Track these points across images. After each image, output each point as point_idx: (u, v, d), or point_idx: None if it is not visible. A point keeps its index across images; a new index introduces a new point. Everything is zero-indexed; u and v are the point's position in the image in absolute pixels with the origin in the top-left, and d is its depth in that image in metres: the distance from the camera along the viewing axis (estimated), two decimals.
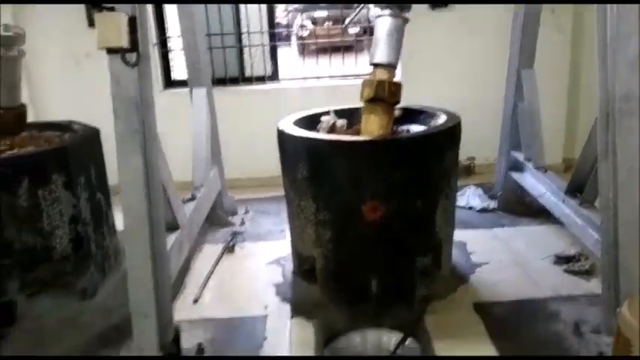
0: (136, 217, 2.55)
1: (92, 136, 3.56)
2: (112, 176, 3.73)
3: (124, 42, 2.41)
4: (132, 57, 2.45)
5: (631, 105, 2.58)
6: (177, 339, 2.82)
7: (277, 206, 4.67)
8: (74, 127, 3.66)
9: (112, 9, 2.42)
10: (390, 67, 3.08)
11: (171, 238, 3.06)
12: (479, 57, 5.01)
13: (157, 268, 2.62)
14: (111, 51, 2.46)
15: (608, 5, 2.55)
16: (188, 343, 2.91)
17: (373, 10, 3.15)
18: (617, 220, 2.66)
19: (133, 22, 2.44)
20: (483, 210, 4.45)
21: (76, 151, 3.32)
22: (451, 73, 5.10)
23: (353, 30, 11.81)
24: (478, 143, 4.86)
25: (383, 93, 3.04)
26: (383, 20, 3.08)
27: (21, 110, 3.54)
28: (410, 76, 5.03)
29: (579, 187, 3.38)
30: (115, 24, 2.41)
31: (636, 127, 2.59)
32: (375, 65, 3.09)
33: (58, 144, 3.37)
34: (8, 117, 3.45)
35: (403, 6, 3.09)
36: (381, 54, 3.05)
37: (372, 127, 3.09)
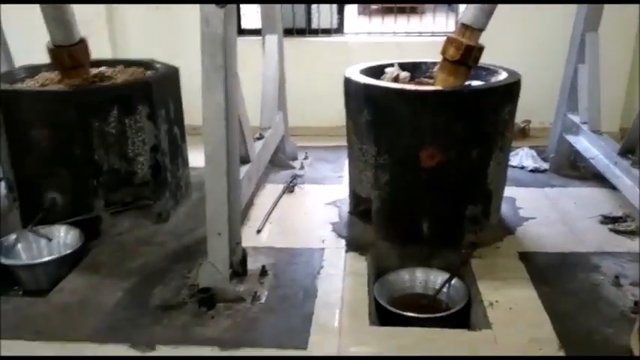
0: (217, 146, 2.83)
1: (172, 73, 3.86)
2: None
3: None
4: None
5: None
6: (244, 260, 3.13)
7: (335, 154, 4.92)
8: (155, 65, 3.97)
9: None
10: (480, 31, 3.16)
11: (243, 170, 3.35)
12: (538, 19, 5.02)
13: (231, 192, 2.92)
14: None
15: None
16: (252, 265, 3.21)
17: None
18: None
19: None
20: (535, 170, 4.58)
21: (158, 86, 3.62)
22: (516, 36, 5.13)
23: None
24: (535, 107, 4.97)
25: (469, 58, 3.18)
26: None
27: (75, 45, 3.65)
28: None
29: (632, 150, 3.48)
30: None
31: None
32: (466, 26, 3.16)
33: (143, 78, 3.68)
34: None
35: None
36: (476, 17, 3.12)
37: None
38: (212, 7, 2.70)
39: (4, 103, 3.40)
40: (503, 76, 3.47)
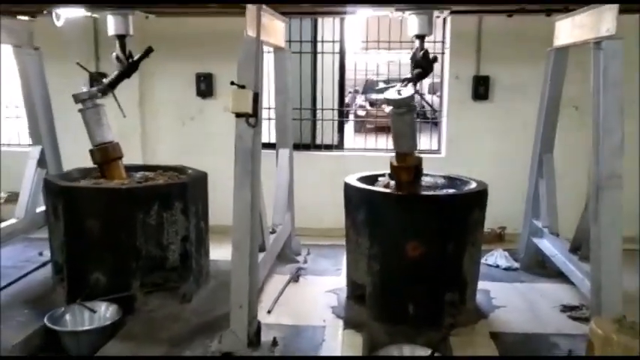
0: (243, 233, 3.56)
1: (202, 177, 4.66)
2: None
3: (249, 109, 3.51)
4: (253, 121, 3.55)
5: (613, 181, 3.48)
6: (258, 331, 3.75)
7: (334, 251, 5.61)
8: (187, 170, 4.78)
9: (243, 87, 3.54)
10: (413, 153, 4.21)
11: (260, 255, 4.04)
12: (511, 142, 5.92)
13: (252, 272, 3.61)
14: (239, 115, 3.57)
15: (601, 107, 3.51)
16: (265, 337, 3.81)
17: (387, 109, 4.18)
18: (600, 270, 3.50)
19: (256, 97, 3.55)
20: (508, 268, 5.26)
21: (191, 187, 4.41)
22: (488, 154, 6.01)
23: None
24: (509, 215, 5.75)
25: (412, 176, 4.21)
26: (397, 117, 4.12)
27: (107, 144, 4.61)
28: (454, 153, 6.03)
29: (579, 247, 4.22)
30: (245, 97, 3.52)
31: (617, 198, 3.48)
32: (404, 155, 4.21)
33: (180, 180, 4.47)
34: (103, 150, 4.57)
35: (412, 107, 4.13)
36: (408, 145, 4.20)
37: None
38: (245, 126, 3.55)
39: (65, 198, 4.16)
40: (473, 185, 4.28)
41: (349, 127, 13.41)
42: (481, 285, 4.59)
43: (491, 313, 4.33)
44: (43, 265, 5.12)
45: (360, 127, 14.14)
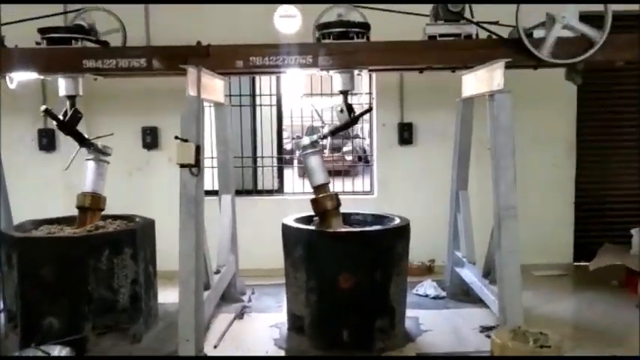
0: (189, 273, 3.93)
1: (150, 224, 5.01)
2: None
3: (192, 160, 3.94)
4: (196, 170, 3.97)
5: (510, 212, 4.06)
6: None
7: (277, 290, 5.98)
8: (135, 218, 5.11)
9: (186, 140, 3.98)
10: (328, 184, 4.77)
11: (205, 293, 4.40)
12: (436, 181, 6.51)
13: (197, 308, 3.96)
14: (183, 166, 3.99)
15: (495, 149, 4.12)
16: None
17: (299, 153, 4.90)
18: (503, 290, 4.04)
19: (198, 149, 3.99)
20: (436, 297, 5.77)
21: (140, 234, 4.75)
22: (416, 193, 6.58)
23: (349, 157, 13.70)
24: (438, 248, 6.29)
25: (336, 203, 4.71)
26: (309, 156, 4.75)
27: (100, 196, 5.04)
28: (384, 193, 6.59)
29: (489, 272, 4.77)
30: (188, 149, 3.95)
31: (515, 226, 4.06)
32: (319, 187, 4.74)
33: (129, 227, 4.81)
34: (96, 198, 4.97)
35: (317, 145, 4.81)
36: (324, 178, 4.78)
37: (337, 225, 4.60)
38: (189, 175, 3.97)
39: (20, 248, 4.43)
40: (397, 221, 4.80)
41: (294, 172, 14.00)
42: (411, 313, 5.10)
43: (418, 337, 4.79)
44: None
45: (304, 172, 14.77)
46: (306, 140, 4.77)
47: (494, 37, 4.48)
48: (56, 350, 4.25)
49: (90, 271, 4.42)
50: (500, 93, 4.12)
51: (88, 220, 4.89)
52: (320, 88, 7.05)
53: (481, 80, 4.62)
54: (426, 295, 5.84)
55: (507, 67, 4.15)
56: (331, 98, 7.77)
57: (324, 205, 4.70)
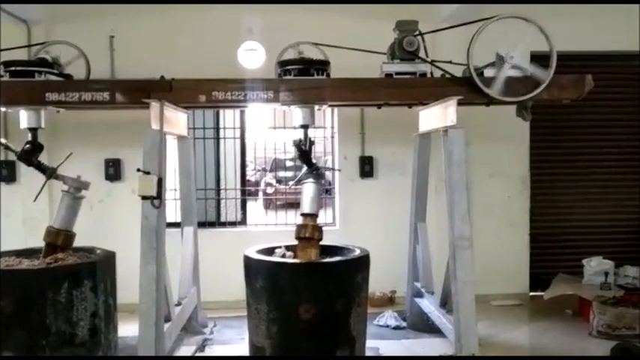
0: (149, 304, 3.95)
1: (110, 256, 4.99)
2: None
3: (154, 193, 4.00)
4: (157, 202, 4.03)
5: (464, 242, 4.22)
6: None
7: (239, 322, 5.98)
8: (96, 250, 5.10)
9: (148, 173, 4.04)
10: (316, 216, 4.76)
11: (166, 326, 4.40)
12: (396, 212, 6.66)
13: (158, 339, 3.97)
14: (145, 198, 4.04)
15: (449, 182, 4.29)
16: None
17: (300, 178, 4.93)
18: (459, 319, 4.17)
19: (160, 182, 4.05)
20: (396, 327, 5.86)
21: (100, 266, 4.73)
22: (376, 225, 6.72)
23: None
24: (398, 279, 6.40)
25: (317, 234, 4.67)
26: (308, 185, 4.79)
27: (72, 234, 4.99)
28: (345, 226, 6.71)
29: (446, 301, 4.90)
30: (150, 182, 4.01)
31: (468, 256, 4.21)
32: (307, 215, 4.75)
33: (90, 259, 4.79)
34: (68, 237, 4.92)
35: (320, 177, 4.84)
36: (312, 208, 4.76)
37: (309, 256, 4.65)
38: (150, 207, 4.02)
39: None
40: (357, 252, 4.90)
41: (259, 204, 14.01)
42: (372, 343, 5.19)
43: None
44: None
45: (269, 204, 14.80)
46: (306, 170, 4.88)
47: (447, 75, 4.70)
48: None
49: (48, 304, 4.38)
50: (453, 129, 4.32)
51: (51, 255, 4.84)
52: (283, 122, 7.19)
53: (436, 116, 4.82)
54: (387, 326, 5.93)
55: (460, 103, 4.36)
56: (295, 130, 7.98)
57: (310, 232, 4.80)
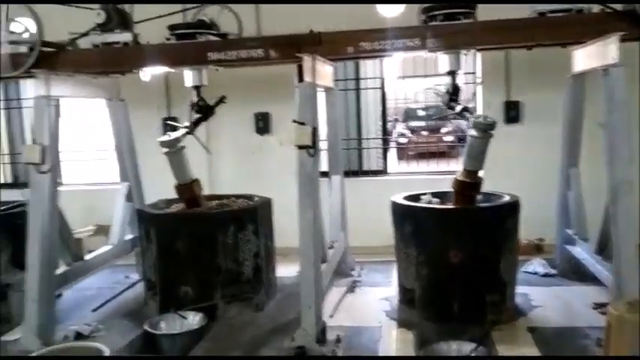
0: (308, 245, 4.24)
1: (268, 202, 5.40)
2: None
3: (309, 142, 4.22)
4: (312, 151, 4.26)
5: (626, 186, 4.03)
6: (324, 330, 4.38)
7: (385, 266, 6.21)
8: (254, 197, 5.52)
9: (303, 123, 4.26)
10: (472, 172, 4.80)
11: (322, 266, 4.71)
12: (544, 160, 6.43)
13: (317, 278, 4.27)
14: (301, 147, 4.28)
15: (611, 124, 4.09)
16: (329, 336, 4.44)
17: (470, 131, 4.82)
18: (620, 263, 4.03)
19: (314, 131, 4.26)
20: (545, 275, 5.77)
21: (260, 211, 5.15)
22: (523, 172, 6.53)
23: (448, 138, 13.61)
24: (547, 226, 6.23)
25: (466, 189, 4.80)
26: (480, 140, 4.72)
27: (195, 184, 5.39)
28: (488, 173, 6.58)
29: (603, 248, 4.73)
30: (305, 132, 4.23)
31: (631, 201, 4.02)
32: (466, 171, 4.78)
33: (250, 206, 5.22)
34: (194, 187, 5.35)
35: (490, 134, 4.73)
36: (465, 162, 4.81)
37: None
38: (306, 156, 4.26)
39: (157, 224, 4.95)
40: (506, 198, 4.87)
41: (392, 154, 14.12)
42: (521, 289, 5.15)
43: (529, 312, 4.86)
44: (132, 285, 5.93)
45: (402, 154, 14.85)
46: (482, 120, 4.75)
47: (607, 10, 4.39)
48: (190, 315, 4.76)
49: (218, 245, 4.87)
50: (615, 67, 4.07)
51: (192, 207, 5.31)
52: (413, 70, 7.15)
53: (593, 55, 4.55)
54: (535, 273, 5.85)
55: (622, 40, 4.08)
56: (425, 80, 7.90)
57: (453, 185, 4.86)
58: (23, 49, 4.73)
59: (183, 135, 5.15)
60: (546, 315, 4.77)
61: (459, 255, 4.52)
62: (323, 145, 6.64)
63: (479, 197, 5.12)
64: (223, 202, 5.40)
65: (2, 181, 8.13)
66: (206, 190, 6.42)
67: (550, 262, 5.98)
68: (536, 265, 5.97)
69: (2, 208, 5.48)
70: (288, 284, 5.59)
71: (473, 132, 4.72)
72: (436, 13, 4.63)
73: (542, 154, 6.43)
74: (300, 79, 4.60)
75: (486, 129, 4.66)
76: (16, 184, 7.62)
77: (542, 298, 5.15)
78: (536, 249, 6.55)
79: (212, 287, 4.89)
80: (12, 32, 4.73)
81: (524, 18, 4.49)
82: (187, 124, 5.17)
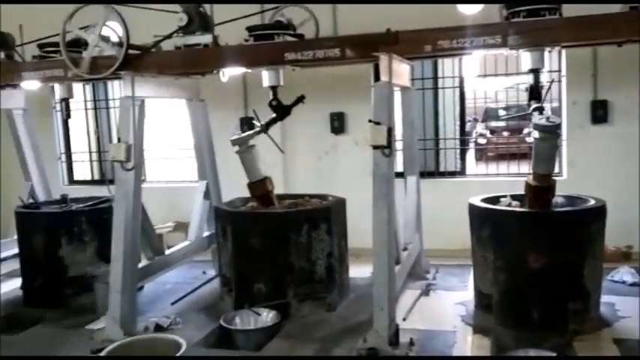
0: (382, 245, 4.19)
1: (342, 202, 5.40)
2: None
3: (385, 142, 4.18)
4: (388, 151, 4.21)
5: None
6: (397, 332, 4.32)
7: (461, 270, 6.06)
8: (328, 197, 5.53)
9: (378, 123, 4.22)
10: (543, 176, 4.58)
11: (396, 268, 4.65)
12: (633, 162, 6.08)
13: (390, 279, 4.22)
14: (376, 147, 4.24)
15: None
16: (402, 339, 4.37)
17: (533, 133, 4.61)
18: None
19: (389, 131, 4.21)
20: (633, 284, 5.44)
21: (334, 211, 5.15)
22: (610, 175, 6.20)
23: (530, 139, 13.09)
24: (637, 233, 5.88)
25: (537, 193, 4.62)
26: (542, 142, 4.51)
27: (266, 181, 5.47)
28: (573, 176, 6.31)
29: None
30: (380, 132, 4.19)
31: None
32: (537, 175, 4.59)
33: (324, 205, 5.23)
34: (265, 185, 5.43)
35: (558, 134, 4.52)
36: (534, 166, 4.62)
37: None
38: (381, 156, 4.22)
39: (233, 221, 5.06)
40: (591, 202, 4.62)
41: (470, 154, 13.74)
42: (606, 299, 4.89)
43: (615, 323, 4.59)
44: (209, 280, 6.09)
45: (481, 155, 14.44)
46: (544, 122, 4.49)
47: None
48: (264, 312, 4.83)
49: (292, 243, 4.92)
50: None
51: (264, 205, 5.41)
52: (495, 69, 6.90)
53: None
54: (623, 282, 5.54)
55: None
56: (507, 78, 7.61)
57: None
58: (111, 51, 4.96)
59: (255, 134, 5.24)
60: (634, 327, 4.49)
61: (539, 260, 4.34)
62: (398, 145, 6.62)
63: (562, 201, 4.91)
64: (297, 201, 5.44)
65: (90, 178, 8.60)
66: (280, 190, 6.51)
67: (638, 270, 5.64)
68: (624, 273, 5.65)
69: (90, 203, 5.80)
70: (361, 285, 5.57)
71: (535, 134, 4.52)
72: (519, 9, 4.47)
73: (632, 155, 6.07)
74: (377, 78, 4.56)
75: (546, 130, 4.45)
76: (103, 180, 7.99)
77: (630, 309, 4.85)
78: (624, 257, 6.20)
79: (285, 285, 4.94)
80: (103, 36, 4.97)
81: (613, 13, 4.24)
82: (261, 123, 5.25)
